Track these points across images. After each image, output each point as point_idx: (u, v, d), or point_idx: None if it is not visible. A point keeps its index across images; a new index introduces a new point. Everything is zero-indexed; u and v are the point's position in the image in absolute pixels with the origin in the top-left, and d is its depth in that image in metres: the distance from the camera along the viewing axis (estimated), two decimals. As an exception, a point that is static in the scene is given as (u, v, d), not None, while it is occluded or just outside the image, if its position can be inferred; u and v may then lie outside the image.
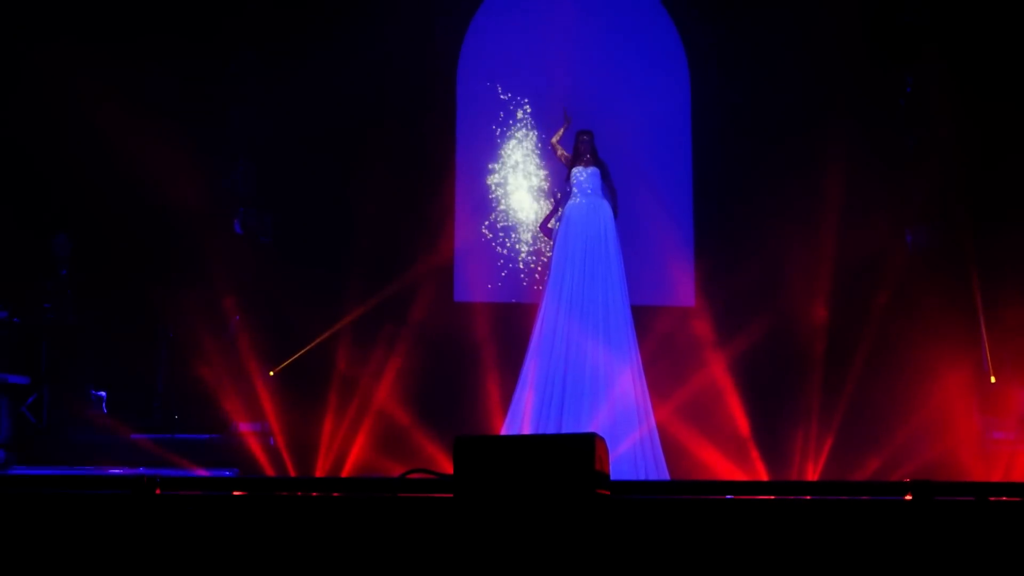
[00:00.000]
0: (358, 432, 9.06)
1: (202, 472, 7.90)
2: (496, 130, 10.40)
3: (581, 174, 8.68)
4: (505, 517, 3.79)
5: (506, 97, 10.40)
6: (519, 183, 10.36)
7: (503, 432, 8.35)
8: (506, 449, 3.92)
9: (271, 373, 9.36)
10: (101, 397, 9.35)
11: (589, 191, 8.66)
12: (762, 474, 8.70)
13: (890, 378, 9.23)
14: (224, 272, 9.51)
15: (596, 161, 8.72)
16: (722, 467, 8.74)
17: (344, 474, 8.73)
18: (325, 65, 9.91)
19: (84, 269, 9.56)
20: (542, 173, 10.34)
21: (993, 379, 9.12)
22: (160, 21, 9.59)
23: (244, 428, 8.95)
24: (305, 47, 9.99)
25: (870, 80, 10.09)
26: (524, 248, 10.30)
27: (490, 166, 10.37)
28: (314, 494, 4.93)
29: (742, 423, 9.11)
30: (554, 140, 8.93)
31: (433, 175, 10.21)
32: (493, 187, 10.36)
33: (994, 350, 9.19)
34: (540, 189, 10.34)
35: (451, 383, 9.54)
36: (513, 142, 10.37)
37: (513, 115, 10.40)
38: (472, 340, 9.66)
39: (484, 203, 10.35)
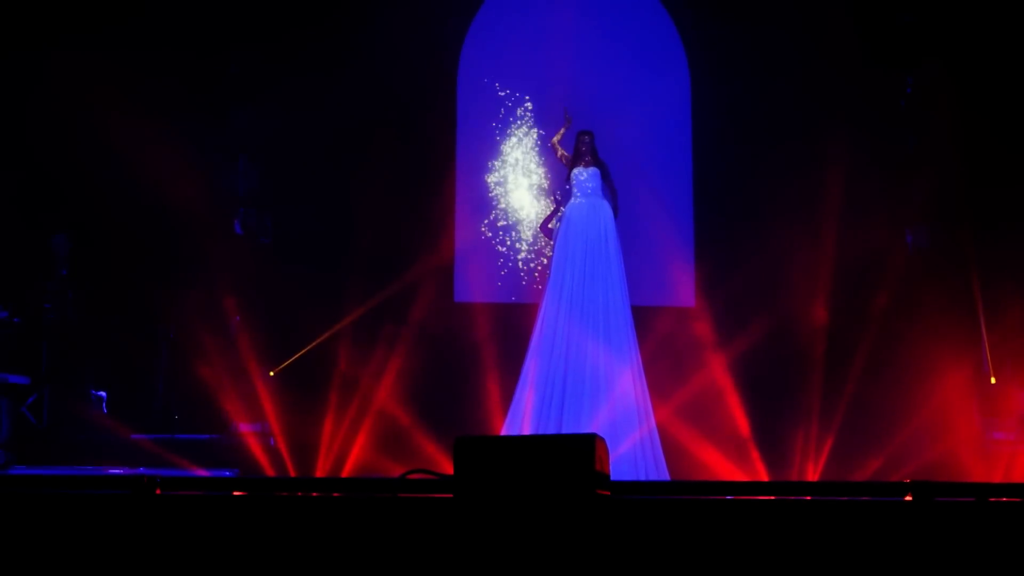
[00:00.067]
0: (358, 432, 9.06)
1: (202, 472, 7.90)
2: (496, 129, 10.40)
3: (582, 174, 8.69)
4: (505, 518, 3.79)
5: (504, 93, 10.40)
6: (519, 182, 10.37)
7: (503, 432, 8.36)
8: (506, 449, 3.92)
9: (271, 373, 9.36)
10: (101, 397, 9.35)
11: (589, 191, 8.67)
12: (762, 474, 8.70)
13: (890, 378, 9.24)
14: (224, 272, 9.51)
15: (596, 161, 8.73)
16: (722, 467, 8.74)
17: (344, 474, 8.73)
18: (325, 65, 9.92)
19: (85, 269, 9.56)
20: (541, 171, 10.34)
21: (993, 379, 9.13)
22: (160, 21, 9.58)
23: (244, 428, 8.95)
24: (305, 47, 9.99)
25: (870, 81, 10.09)
26: (524, 247, 10.30)
27: (490, 163, 10.37)
28: (314, 494, 4.93)
29: (742, 423, 9.11)
30: (554, 140, 8.94)
31: (433, 175, 10.21)
32: (493, 186, 10.36)
33: (994, 350, 9.19)
34: (540, 188, 10.34)
35: (451, 383, 9.54)
36: (513, 140, 10.37)
37: (514, 114, 10.40)
38: (472, 340, 9.67)
39: (484, 203, 10.36)
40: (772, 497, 4.87)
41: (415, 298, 9.81)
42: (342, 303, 9.69)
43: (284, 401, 9.13)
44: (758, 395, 9.34)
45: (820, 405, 9.18)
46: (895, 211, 9.92)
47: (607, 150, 8.88)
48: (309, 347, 9.52)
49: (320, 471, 8.76)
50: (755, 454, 8.88)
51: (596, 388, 8.28)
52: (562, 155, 8.87)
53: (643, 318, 8.97)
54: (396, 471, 7.70)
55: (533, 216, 10.29)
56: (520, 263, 10.31)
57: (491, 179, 10.37)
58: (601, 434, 4.02)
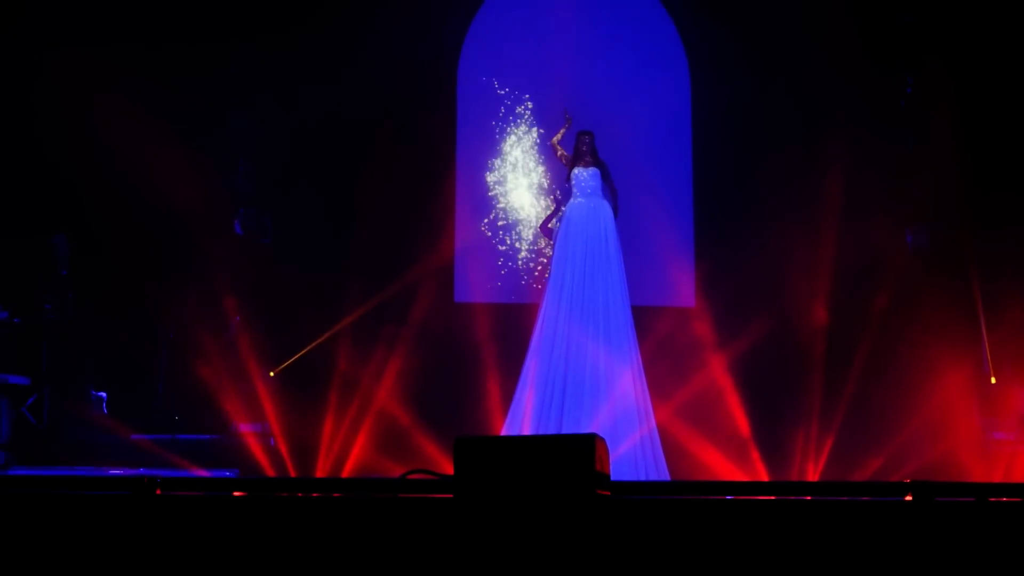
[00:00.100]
0: (358, 433, 9.06)
1: (202, 473, 7.90)
2: (496, 128, 10.39)
3: (582, 174, 8.69)
4: (505, 518, 3.79)
5: (503, 91, 10.40)
6: (519, 181, 10.36)
7: (503, 432, 8.36)
8: (506, 450, 3.92)
9: (271, 373, 9.36)
10: (101, 398, 9.35)
11: (589, 191, 8.67)
12: (762, 475, 8.70)
13: (890, 378, 9.23)
14: (224, 273, 9.51)
15: (596, 161, 8.73)
16: (722, 467, 8.74)
17: (344, 475, 8.73)
18: (325, 65, 9.92)
19: (85, 269, 9.56)
20: (540, 169, 10.34)
21: (993, 379, 9.12)
22: (159, 21, 9.58)
23: (244, 429, 8.94)
24: (305, 47, 9.99)
25: (870, 80, 10.09)
26: (524, 247, 10.30)
27: (490, 162, 10.37)
28: (314, 495, 4.93)
29: (742, 424, 9.11)
30: (554, 140, 8.94)
31: (433, 175, 10.21)
32: (493, 186, 10.36)
33: (994, 350, 9.19)
34: (540, 187, 10.34)
35: (451, 383, 9.54)
36: (513, 139, 10.37)
37: (514, 114, 10.40)
38: (472, 340, 9.66)
39: (484, 203, 10.36)
40: (772, 497, 4.87)
41: (415, 298, 9.81)
42: (342, 303, 9.69)
43: (284, 401, 9.13)
44: (758, 395, 9.34)
45: (820, 405, 9.17)
46: (895, 211, 9.91)
47: (607, 150, 8.88)
48: (309, 347, 9.52)
49: (320, 471, 8.76)
50: (755, 454, 8.87)
51: (596, 388, 8.28)
52: (562, 155, 8.87)
53: (643, 318, 8.97)
54: (396, 471, 7.70)
55: (533, 216, 10.29)
56: (520, 263, 10.31)
57: (491, 178, 10.37)
58: (601, 434, 4.02)
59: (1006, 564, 4.17)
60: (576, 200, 8.69)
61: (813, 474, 8.72)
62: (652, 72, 10.57)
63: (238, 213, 10.10)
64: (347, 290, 9.69)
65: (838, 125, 9.71)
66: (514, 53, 10.48)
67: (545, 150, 10.00)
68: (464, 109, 10.48)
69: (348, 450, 8.96)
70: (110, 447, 8.55)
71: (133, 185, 9.20)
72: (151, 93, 9.34)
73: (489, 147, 10.40)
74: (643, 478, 8.02)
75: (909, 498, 4.40)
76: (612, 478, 4.04)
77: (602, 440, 3.94)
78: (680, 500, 4.66)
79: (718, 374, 9.30)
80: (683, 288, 10.30)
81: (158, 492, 4.57)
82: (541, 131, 10.22)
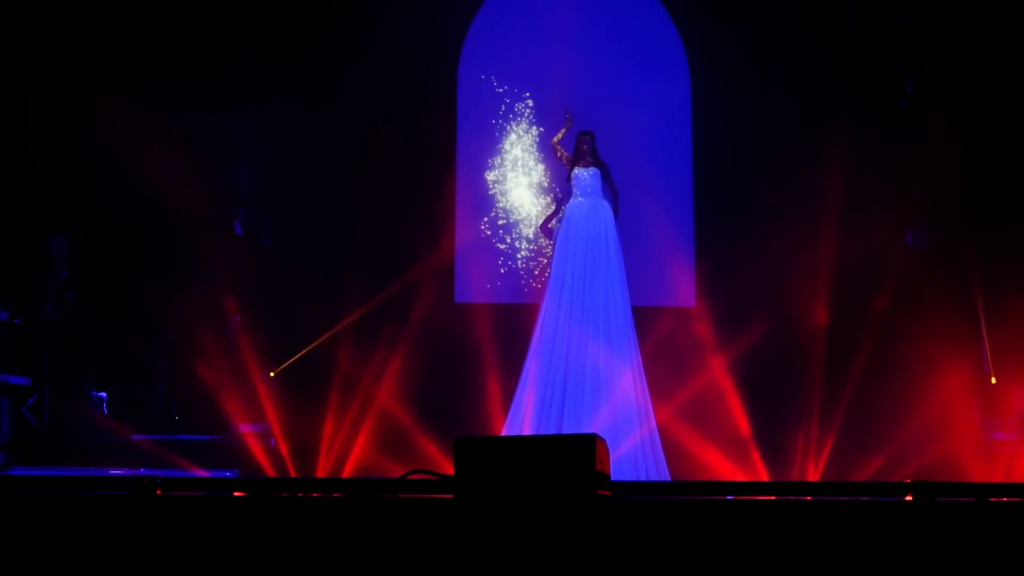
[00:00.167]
0: (359, 433, 9.05)
1: (203, 473, 7.90)
2: (496, 127, 10.39)
3: (582, 174, 8.69)
4: (506, 518, 3.79)
5: (502, 90, 10.40)
6: (519, 180, 10.37)
7: (504, 433, 8.36)
8: (507, 450, 3.92)
9: (271, 374, 9.36)
10: (102, 398, 9.35)
11: (590, 191, 8.67)
12: (763, 475, 8.69)
13: (890, 379, 9.23)
14: (224, 273, 9.51)
15: (597, 162, 8.74)
16: (722, 468, 8.74)
17: (345, 475, 8.72)
18: (325, 65, 9.92)
19: (85, 270, 9.56)
20: (540, 168, 10.34)
21: (994, 379, 9.12)
22: (159, 22, 9.58)
23: (245, 429, 8.94)
24: (305, 47, 9.99)
25: (870, 81, 10.09)
26: (524, 246, 10.30)
27: (490, 161, 10.37)
28: (315, 495, 4.93)
29: (743, 424, 9.11)
30: (555, 140, 8.94)
31: (433, 175, 10.21)
32: (493, 185, 10.36)
33: (994, 350, 9.19)
34: (540, 186, 10.34)
35: (452, 384, 9.54)
36: (513, 138, 10.37)
37: (514, 114, 10.40)
38: (473, 340, 9.66)
39: (484, 202, 10.36)
40: (772, 497, 4.87)
41: (415, 298, 9.81)
42: (342, 303, 9.68)
43: (284, 401, 9.12)
44: (758, 395, 9.33)
45: (820, 405, 9.17)
46: (895, 211, 9.91)
47: (607, 150, 8.88)
48: (309, 347, 9.52)
49: (320, 472, 8.76)
50: (755, 454, 8.87)
51: (596, 388, 8.28)
52: (562, 155, 8.88)
53: (643, 318, 8.97)
54: (397, 471, 7.71)
55: (533, 215, 10.29)
56: (520, 263, 10.31)
57: (491, 177, 10.37)
58: (601, 434, 4.02)
59: (1006, 564, 4.17)
60: (576, 200, 8.69)
61: (813, 474, 8.72)
62: (652, 72, 10.57)
63: (238, 213, 10.11)
64: (347, 290, 9.69)
65: (838, 125, 9.71)
66: (514, 53, 10.49)
67: (545, 149, 10.01)
68: (464, 108, 10.48)
69: (348, 450, 8.95)
70: (110, 447, 8.55)
71: (133, 185, 9.20)
72: (151, 93, 9.34)
73: (489, 146, 10.40)
74: (643, 478, 8.01)
75: (909, 498, 4.40)
76: (612, 478, 4.04)
77: (602, 440, 3.94)
78: (680, 500, 4.66)
79: (718, 374, 9.29)
80: (683, 288, 10.30)
81: (158, 492, 4.58)
82: (541, 130, 10.23)
